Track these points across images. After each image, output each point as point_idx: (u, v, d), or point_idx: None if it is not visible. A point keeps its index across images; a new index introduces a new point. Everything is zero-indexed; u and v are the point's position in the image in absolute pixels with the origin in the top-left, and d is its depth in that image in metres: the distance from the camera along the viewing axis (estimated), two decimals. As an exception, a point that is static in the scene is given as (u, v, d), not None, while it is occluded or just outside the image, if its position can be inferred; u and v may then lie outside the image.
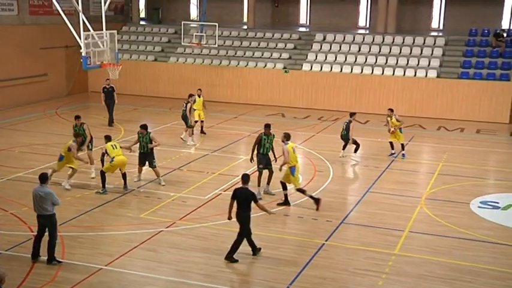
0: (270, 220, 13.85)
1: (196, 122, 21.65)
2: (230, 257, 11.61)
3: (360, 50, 29.95)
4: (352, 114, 19.67)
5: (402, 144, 19.95)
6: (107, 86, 23.24)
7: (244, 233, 11.67)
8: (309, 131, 23.76)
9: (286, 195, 14.89)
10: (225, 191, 15.87)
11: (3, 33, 26.59)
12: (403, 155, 19.86)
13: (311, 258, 11.92)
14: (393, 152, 19.88)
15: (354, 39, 30.74)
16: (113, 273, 11.05)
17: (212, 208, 14.58)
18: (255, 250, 11.89)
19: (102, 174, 15.39)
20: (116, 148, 15.55)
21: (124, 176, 15.65)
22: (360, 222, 14.04)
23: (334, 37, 31.02)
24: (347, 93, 28.39)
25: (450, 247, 12.66)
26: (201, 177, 16.87)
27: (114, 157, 15.32)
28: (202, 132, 22.25)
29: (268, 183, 15.62)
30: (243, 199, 11.56)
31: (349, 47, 30.17)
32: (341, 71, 28.86)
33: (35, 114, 25.57)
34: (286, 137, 14.75)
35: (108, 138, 15.85)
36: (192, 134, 20.82)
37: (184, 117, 20.63)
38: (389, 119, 19.78)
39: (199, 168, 17.83)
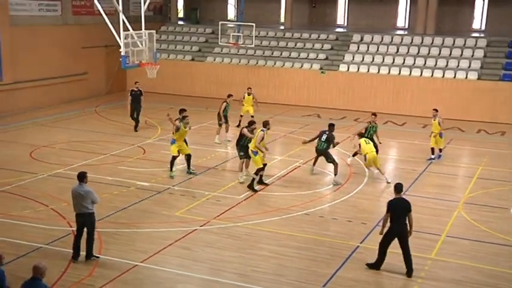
0: (304, 221, 13.83)
1: (241, 116, 22.68)
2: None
3: (398, 51, 29.61)
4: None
5: (440, 148, 19.63)
6: (135, 89, 22.66)
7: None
8: (345, 132, 23.56)
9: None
10: (259, 191, 15.91)
11: (46, 33, 27.22)
12: (439, 156, 19.54)
13: (345, 260, 11.85)
14: (432, 157, 19.52)
15: (392, 40, 30.40)
16: (147, 270, 11.20)
17: (246, 208, 14.63)
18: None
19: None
20: None
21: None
22: (396, 225, 13.86)
23: (372, 38, 30.73)
24: (384, 95, 28.10)
25: (488, 253, 12.41)
26: (236, 177, 16.93)
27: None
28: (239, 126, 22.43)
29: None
30: (401, 210, 10.97)
31: (387, 48, 29.85)
32: (378, 72, 28.59)
33: (75, 112, 26.08)
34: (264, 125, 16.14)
35: None
36: (219, 133, 21.08)
37: (224, 117, 21.03)
38: (432, 120, 19.38)
39: (234, 168, 17.89)
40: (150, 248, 12.08)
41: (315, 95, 29.20)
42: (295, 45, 31.58)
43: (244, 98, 23.18)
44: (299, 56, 30.77)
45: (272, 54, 31.23)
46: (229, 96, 21.48)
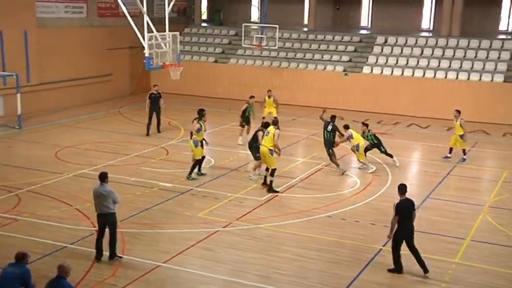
0: (327, 223, 13.78)
1: (263, 118, 22.03)
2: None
3: (422, 53, 29.34)
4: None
5: (464, 150, 19.41)
6: (155, 92, 22.42)
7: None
8: (368, 135, 23.48)
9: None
10: (281, 193, 15.90)
11: (72, 34, 27.57)
12: (463, 159, 19.32)
13: (367, 263, 11.78)
14: (449, 156, 19.38)
15: (416, 42, 30.14)
16: (170, 270, 11.26)
17: (269, 209, 14.63)
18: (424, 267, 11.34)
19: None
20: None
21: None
22: (419, 229, 13.65)
23: (396, 40, 30.51)
24: (408, 97, 27.86)
25: (513, 258, 12.23)
26: (258, 178, 16.92)
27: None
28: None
29: None
30: (408, 211, 11.11)
31: (411, 50, 29.61)
32: (402, 74, 28.37)
33: (99, 113, 26.35)
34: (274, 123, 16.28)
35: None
36: (241, 134, 21.07)
37: (246, 118, 21.16)
38: (454, 121, 19.20)
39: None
40: (173, 248, 12.15)
41: (338, 97, 29.06)
42: (319, 47, 31.50)
43: (265, 100, 23.16)
44: (322, 58, 30.69)
45: (295, 56, 31.19)
46: (251, 97, 21.51)
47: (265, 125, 16.54)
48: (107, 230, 11.39)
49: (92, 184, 14.65)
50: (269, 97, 23.10)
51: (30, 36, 25.22)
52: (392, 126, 25.34)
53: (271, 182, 15.93)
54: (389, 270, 11.42)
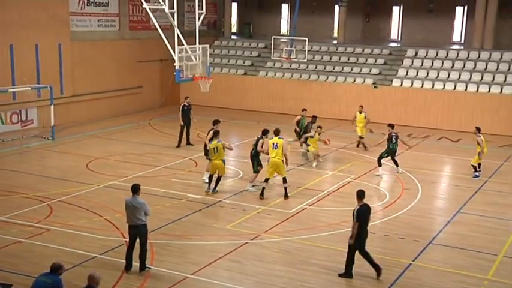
0: (355, 237, 13.66)
1: (360, 138, 22.41)
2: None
3: (453, 66, 29.03)
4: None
5: (479, 164, 18.94)
6: (187, 104, 22.39)
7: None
8: (400, 148, 23.25)
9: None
10: (310, 206, 15.85)
11: (105, 47, 28.07)
12: (476, 175, 18.88)
13: (397, 278, 11.64)
14: (477, 174, 18.94)
15: (447, 55, 29.85)
16: (198, 282, 11.30)
17: (297, 222, 14.58)
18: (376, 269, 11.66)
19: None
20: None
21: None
22: (450, 244, 13.54)
23: (427, 52, 30.26)
24: (438, 110, 27.57)
25: (548, 275, 11.95)
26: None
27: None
28: (361, 146, 22.54)
29: None
30: (366, 216, 11.50)
31: (442, 63, 29.33)
32: (433, 87, 28.09)
33: (130, 125, 26.67)
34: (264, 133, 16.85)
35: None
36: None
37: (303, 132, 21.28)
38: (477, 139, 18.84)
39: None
40: (201, 260, 12.20)
41: (367, 110, 28.79)
42: (348, 59, 31.43)
43: (356, 117, 22.49)
44: (352, 70, 30.61)
45: (324, 68, 31.17)
46: (304, 110, 22.03)
47: (264, 132, 16.98)
48: (137, 241, 11.48)
49: (121, 195, 14.84)
50: (360, 112, 22.60)
51: (64, 49, 25.75)
52: (423, 139, 25.07)
53: (286, 188, 16.34)
54: (340, 275, 11.58)
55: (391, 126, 19.46)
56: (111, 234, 13.47)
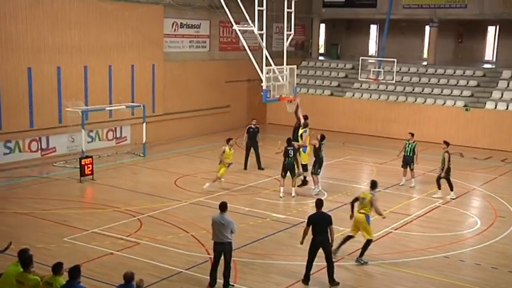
0: (444, 264, 13.19)
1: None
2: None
3: (552, 88, 27.62)
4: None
5: None
6: (253, 126, 21.93)
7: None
8: (489, 173, 22.31)
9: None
10: (396, 230, 15.48)
11: (196, 67, 28.97)
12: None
13: (488, 310, 11.11)
14: None
15: (546, 77, 28.46)
16: (281, 302, 11.28)
17: (382, 246, 14.27)
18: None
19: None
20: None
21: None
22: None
23: (524, 74, 28.98)
24: (536, 135, 26.24)
25: None
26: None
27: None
28: None
29: None
30: (319, 224, 11.95)
31: (541, 85, 27.97)
32: (530, 110, 26.82)
33: (217, 144, 27.11)
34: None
35: None
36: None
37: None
38: None
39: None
40: (284, 280, 12.19)
41: (457, 133, 27.95)
42: (438, 81, 30.63)
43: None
44: (442, 92, 29.78)
45: (413, 90, 30.53)
46: (412, 134, 20.21)
47: (288, 141, 18.09)
48: (221, 258, 11.63)
49: (207, 212, 15.17)
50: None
51: (158, 70, 26.82)
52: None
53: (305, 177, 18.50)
54: (302, 281, 12.01)
55: (447, 144, 18.59)
56: (196, 250, 13.75)
